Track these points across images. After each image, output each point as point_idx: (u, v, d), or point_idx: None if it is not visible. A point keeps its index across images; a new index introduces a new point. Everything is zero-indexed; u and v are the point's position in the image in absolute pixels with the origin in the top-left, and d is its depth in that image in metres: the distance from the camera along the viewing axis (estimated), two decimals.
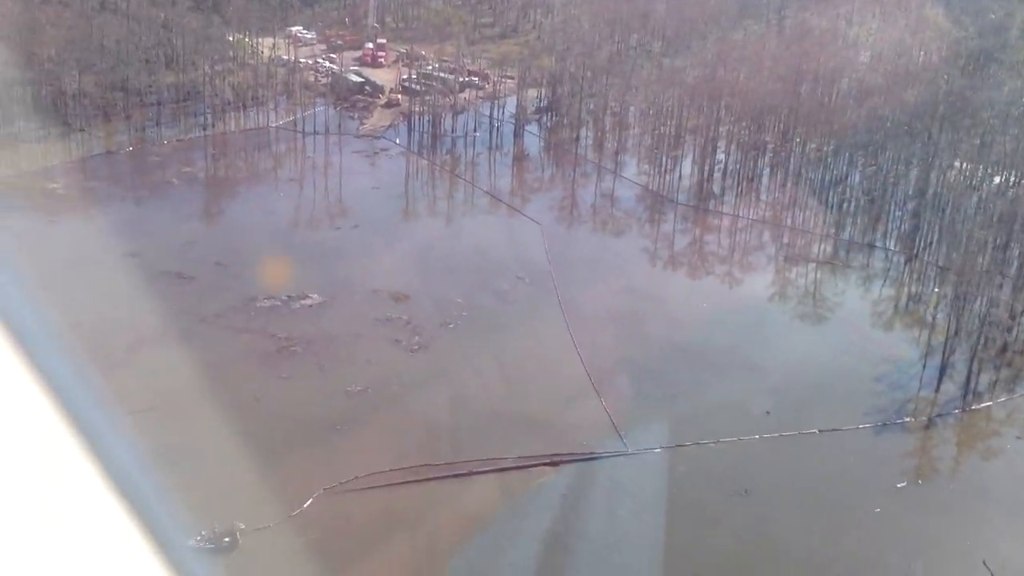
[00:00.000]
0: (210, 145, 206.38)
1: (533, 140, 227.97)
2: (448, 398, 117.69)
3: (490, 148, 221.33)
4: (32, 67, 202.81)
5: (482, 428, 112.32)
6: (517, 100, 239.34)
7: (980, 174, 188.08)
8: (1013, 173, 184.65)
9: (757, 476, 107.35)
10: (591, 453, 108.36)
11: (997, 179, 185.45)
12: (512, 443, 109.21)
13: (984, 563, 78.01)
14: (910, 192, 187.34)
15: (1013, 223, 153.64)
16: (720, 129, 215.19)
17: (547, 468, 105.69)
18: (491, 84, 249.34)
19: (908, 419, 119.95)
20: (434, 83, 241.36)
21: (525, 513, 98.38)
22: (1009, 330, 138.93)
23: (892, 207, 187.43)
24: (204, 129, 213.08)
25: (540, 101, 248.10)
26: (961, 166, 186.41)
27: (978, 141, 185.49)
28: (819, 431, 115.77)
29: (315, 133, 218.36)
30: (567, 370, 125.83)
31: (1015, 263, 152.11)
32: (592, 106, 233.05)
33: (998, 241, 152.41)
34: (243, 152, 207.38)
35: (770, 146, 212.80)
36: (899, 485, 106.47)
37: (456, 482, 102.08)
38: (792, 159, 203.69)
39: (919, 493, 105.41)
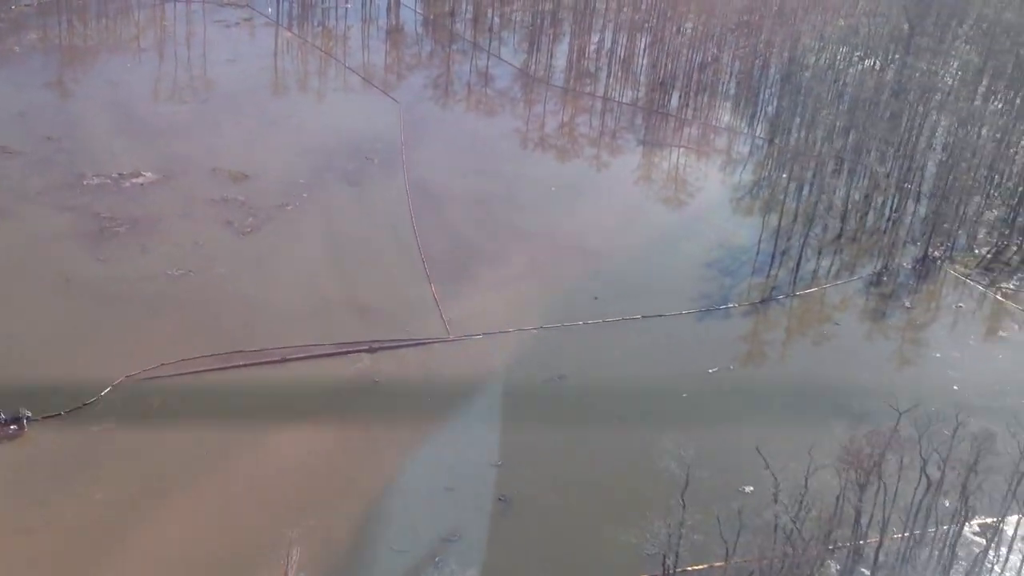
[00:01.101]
0: (63, 10, 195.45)
1: (409, 14, 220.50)
2: (274, 283, 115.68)
3: (363, 21, 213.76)
4: None
5: (306, 314, 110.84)
6: None
7: (850, 57, 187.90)
8: (878, 57, 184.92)
9: (576, 361, 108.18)
10: (411, 339, 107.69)
11: (866, 63, 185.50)
12: (335, 329, 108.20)
13: (757, 449, 79.97)
14: (777, 76, 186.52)
15: (863, 110, 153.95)
16: (598, 6, 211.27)
17: (364, 355, 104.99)
18: None
19: (733, 304, 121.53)
20: None
21: (334, 400, 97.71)
22: (844, 217, 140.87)
23: (761, 90, 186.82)
24: None
25: None
26: (830, 49, 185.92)
27: (842, 23, 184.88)
28: (642, 316, 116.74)
29: (178, 0, 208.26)
30: (403, 255, 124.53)
31: (866, 150, 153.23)
32: None
33: (848, 127, 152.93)
34: (98, 18, 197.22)
35: (647, 26, 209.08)
36: (711, 370, 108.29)
37: (268, 369, 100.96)
38: (668, 40, 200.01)
39: (729, 378, 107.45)
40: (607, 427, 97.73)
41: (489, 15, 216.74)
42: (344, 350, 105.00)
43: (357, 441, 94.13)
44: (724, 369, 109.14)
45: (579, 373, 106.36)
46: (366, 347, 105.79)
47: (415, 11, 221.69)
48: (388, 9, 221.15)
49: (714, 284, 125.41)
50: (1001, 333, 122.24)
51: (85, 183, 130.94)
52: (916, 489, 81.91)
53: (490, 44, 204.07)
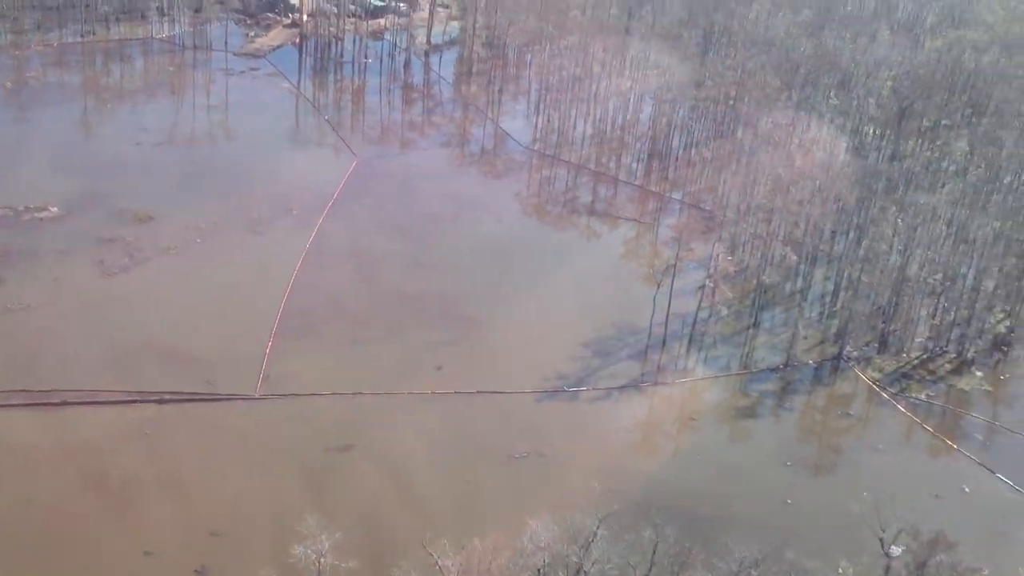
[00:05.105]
0: (77, 52, 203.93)
1: (433, 76, 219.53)
2: (105, 325, 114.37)
3: (379, 76, 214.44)
4: None
5: (119, 358, 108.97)
6: (428, 31, 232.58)
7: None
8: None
9: (378, 431, 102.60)
10: (207, 394, 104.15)
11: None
12: (142, 377, 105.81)
13: (424, 544, 72.76)
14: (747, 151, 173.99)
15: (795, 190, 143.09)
16: (610, 83, 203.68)
17: (153, 405, 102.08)
18: (414, 10, 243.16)
19: (586, 388, 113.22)
20: (353, 5, 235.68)
21: (88, 450, 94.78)
22: (758, 307, 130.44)
23: (730, 166, 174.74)
24: (82, 36, 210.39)
25: (445, 34, 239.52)
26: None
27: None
28: (478, 392, 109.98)
29: (195, 48, 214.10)
30: (262, 306, 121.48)
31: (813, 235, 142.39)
32: (493, 45, 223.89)
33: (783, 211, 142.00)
34: (105, 61, 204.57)
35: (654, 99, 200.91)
36: (518, 455, 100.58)
37: (42, 411, 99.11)
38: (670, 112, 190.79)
39: (530, 465, 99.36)
40: (379, 502, 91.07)
41: (501, 80, 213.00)
42: (132, 399, 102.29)
43: (85, 491, 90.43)
44: (535, 455, 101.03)
45: (373, 445, 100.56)
46: (156, 398, 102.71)
47: (437, 72, 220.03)
48: (405, 67, 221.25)
49: (578, 364, 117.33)
50: (879, 446, 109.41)
51: None
52: None
53: (494, 109, 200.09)
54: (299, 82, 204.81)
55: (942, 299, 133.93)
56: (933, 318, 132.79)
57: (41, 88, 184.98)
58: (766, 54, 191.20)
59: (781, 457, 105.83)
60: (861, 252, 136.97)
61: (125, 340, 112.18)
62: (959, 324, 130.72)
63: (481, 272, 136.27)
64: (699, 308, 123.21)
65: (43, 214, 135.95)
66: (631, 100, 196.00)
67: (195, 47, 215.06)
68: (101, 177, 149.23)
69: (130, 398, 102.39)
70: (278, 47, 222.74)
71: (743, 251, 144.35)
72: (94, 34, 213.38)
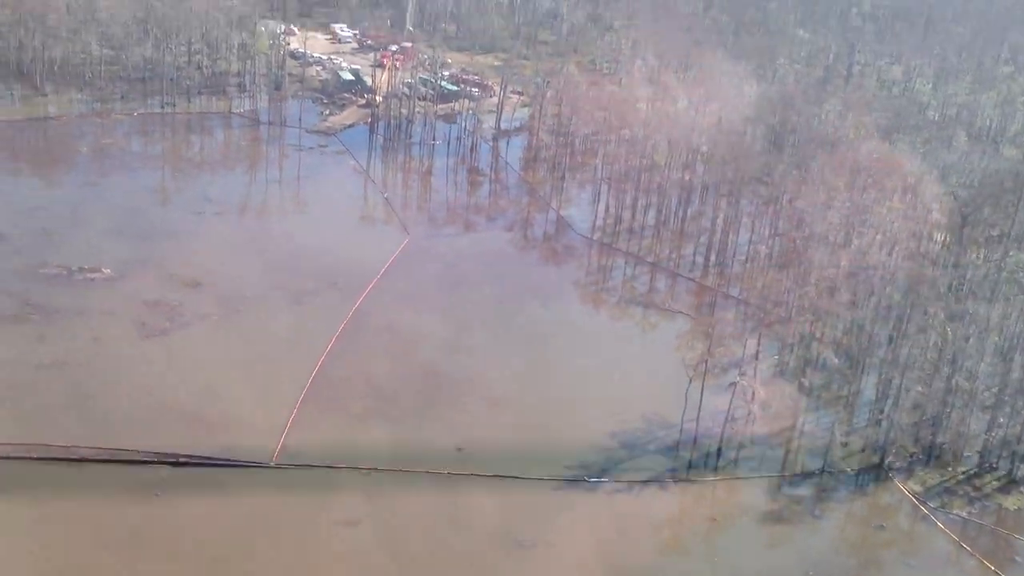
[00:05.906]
0: (157, 122, 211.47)
1: (497, 159, 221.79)
2: (138, 384, 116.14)
3: (446, 158, 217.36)
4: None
5: (145, 419, 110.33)
6: (498, 116, 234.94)
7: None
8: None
9: (384, 508, 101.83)
10: (224, 459, 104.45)
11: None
12: (165, 438, 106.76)
13: None
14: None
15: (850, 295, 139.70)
16: (671, 175, 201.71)
17: (167, 467, 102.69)
18: (488, 96, 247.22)
19: (605, 480, 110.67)
20: (426, 89, 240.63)
21: (94, 507, 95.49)
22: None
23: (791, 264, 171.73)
24: (163, 107, 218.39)
25: (515, 119, 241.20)
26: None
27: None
28: (495, 475, 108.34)
29: (270, 123, 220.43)
30: (293, 376, 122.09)
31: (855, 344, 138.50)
32: (560, 132, 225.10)
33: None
34: (183, 132, 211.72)
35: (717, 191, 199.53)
36: (525, 543, 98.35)
37: (62, 466, 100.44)
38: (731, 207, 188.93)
39: (534, 553, 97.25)
40: None
41: (565, 167, 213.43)
42: (149, 459, 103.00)
43: (91, 549, 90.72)
44: (543, 544, 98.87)
45: (380, 521, 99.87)
46: (173, 460, 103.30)
47: (504, 157, 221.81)
48: (472, 150, 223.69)
49: (601, 456, 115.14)
50: (911, 562, 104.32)
51: (41, 272, 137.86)
52: None
53: (560, 197, 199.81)
54: (367, 160, 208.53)
55: (995, 413, 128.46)
56: (986, 432, 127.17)
57: (117, 155, 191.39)
58: (831, 154, 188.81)
59: (804, 566, 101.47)
60: (912, 360, 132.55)
61: (153, 402, 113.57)
62: (1011, 441, 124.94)
63: (518, 357, 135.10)
64: (731, 406, 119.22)
65: (95, 275, 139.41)
66: (693, 194, 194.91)
67: (270, 123, 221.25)
68: (158, 243, 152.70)
69: (147, 458, 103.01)
70: (350, 126, 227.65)
71: (789, 351, 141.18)
72: (175, 106, 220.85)
